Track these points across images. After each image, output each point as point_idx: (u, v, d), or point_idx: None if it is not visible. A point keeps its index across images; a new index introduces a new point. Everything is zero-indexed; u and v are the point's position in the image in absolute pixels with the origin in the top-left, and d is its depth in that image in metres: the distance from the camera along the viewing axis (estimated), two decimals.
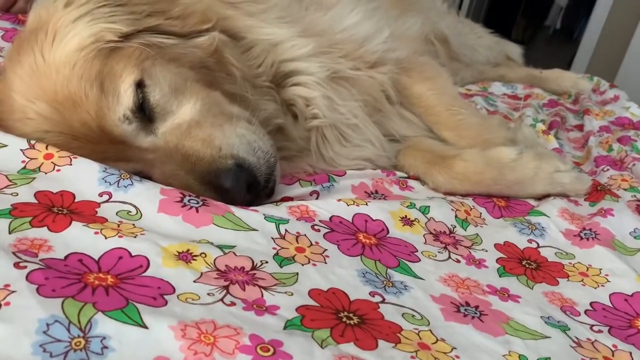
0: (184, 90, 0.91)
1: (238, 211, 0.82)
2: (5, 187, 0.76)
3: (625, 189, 1.17)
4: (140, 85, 0.86)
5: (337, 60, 1.16)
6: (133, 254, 0.67)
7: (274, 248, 0.77)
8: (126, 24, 0.90)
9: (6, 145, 0.83)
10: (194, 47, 0.97)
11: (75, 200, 0.77)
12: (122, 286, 0.62)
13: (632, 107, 1.90)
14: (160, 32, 0.94)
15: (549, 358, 0.67)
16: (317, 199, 0.99)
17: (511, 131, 1.32)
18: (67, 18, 0.88)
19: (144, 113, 0.87)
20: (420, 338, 0.66)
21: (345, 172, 1.10)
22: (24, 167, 0.81)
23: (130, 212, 0.78)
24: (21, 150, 0.83)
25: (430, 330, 0.68)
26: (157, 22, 0.94)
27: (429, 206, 0.98)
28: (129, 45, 0.88)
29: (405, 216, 0.94)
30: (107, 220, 0.75)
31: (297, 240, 0.80)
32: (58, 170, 0.81)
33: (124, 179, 0.81)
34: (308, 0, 1.29)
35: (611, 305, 0.82)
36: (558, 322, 0.76)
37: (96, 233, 0.69)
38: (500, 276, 0.86)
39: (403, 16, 1.68)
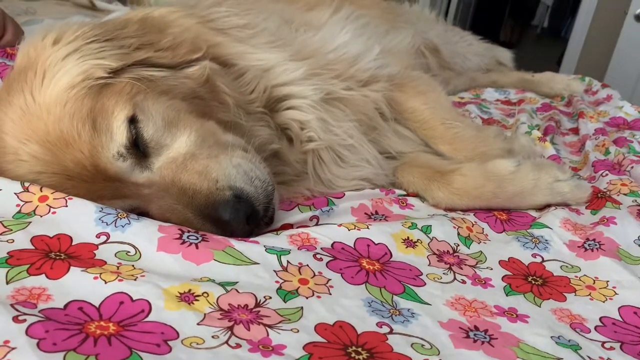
0: (177, 122, 0.90)
1: (238, 245, 0.80)
2: (0, 234, 0.75)
3: (625, 194, 1.16)
4: (133, 121, 0.85)
5: (330, 81, 1.15)
6: (134, 298, 0.66)
7: (276, 281, 0.76)
8: (115, 59, 0.89)
9: (0, 190, 0.82)
10: (185, 78, 0.96)
11: (73, 243, 0.76)
12: (124, 334, 0.60)
13: (626, 106, 1.90)
14: (151, 65, 0.93)
15: None
16: (317, 224, 0.98)
17: (508, 141, 1.32)
18: (56, 56, 0.87)
19: (138, 148, 0.86)
20: None
21: (344, 194, 1.09)
22: (19, 211, 0.80)
23: (129, 252, 0.76)
24: (15, 193, 0.81)
25: None
26: (146, 54, 0.94)
27: (431, 225, 0.97)
28: (120, 81, 0.88)
29: (408, 238, 0.93)
30: (105, 262, 0.73)
31: (299, 272, 0.79)
32: (54, 212, 0.80)
33: (121, 219, 0.80)
34: (298, 22, 1.28)
35: (621, 320, 0.81)
36: (569, 341, 0.74)
37: (95, 278, 0.68)
38: (507, 295, 0.85)
39: (393, 31, 1.68)
